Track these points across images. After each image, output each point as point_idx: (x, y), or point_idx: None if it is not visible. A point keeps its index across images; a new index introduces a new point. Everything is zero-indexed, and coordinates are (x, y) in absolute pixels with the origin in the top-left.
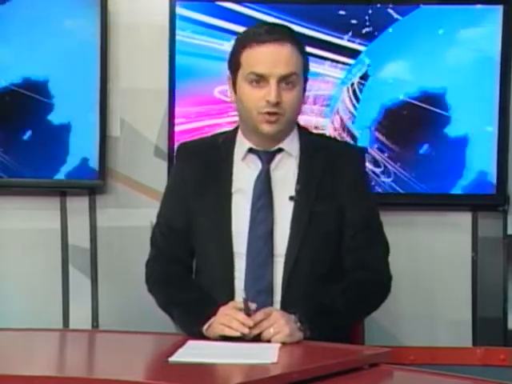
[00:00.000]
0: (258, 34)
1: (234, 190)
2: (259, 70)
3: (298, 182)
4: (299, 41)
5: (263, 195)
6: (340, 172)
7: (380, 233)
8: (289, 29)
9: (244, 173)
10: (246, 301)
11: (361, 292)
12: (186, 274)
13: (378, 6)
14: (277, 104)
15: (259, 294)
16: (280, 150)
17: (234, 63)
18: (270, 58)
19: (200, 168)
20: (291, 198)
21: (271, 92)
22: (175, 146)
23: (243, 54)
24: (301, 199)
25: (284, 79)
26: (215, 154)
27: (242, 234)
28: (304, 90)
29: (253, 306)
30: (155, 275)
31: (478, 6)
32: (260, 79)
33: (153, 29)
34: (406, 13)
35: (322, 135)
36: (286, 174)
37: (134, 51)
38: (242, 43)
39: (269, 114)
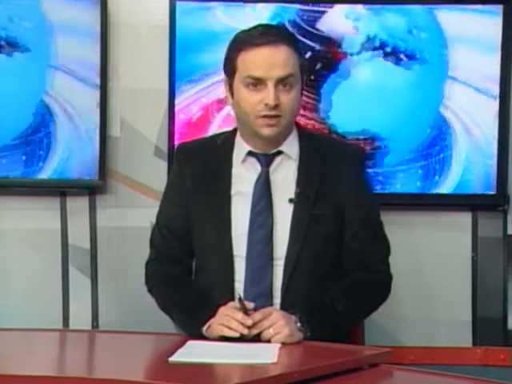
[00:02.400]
0: (253, 36)
1: (233, 192)
2: (256, 74)
3: (298, 184)
4: (295, 41)
5: (263, 198)
6: (340, 172)
7: (380, 233)
8: (284, 29)
9: (243, 176)
10: (241, 300)
11: (361, 292)
12: (186, 275)
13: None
14: (275, 107)
15: (259, 297)
16: (279, 153)
17: (230, 67)
18: (267, 60)
19: (199, 169)
20: (291, 201)
21: (269, 95)
22: (175, 146)
23: (239, 57)
24: (301, 201)
25: (281, 81)
26: (214, 155)
27: (242, 236)
28: (302, 90)
29: (250, 305)
30: (155, 276)
31: (478, 6)
32: (257, 82)
33: (153, 29)
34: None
35: (322, 135)
36: (285, 177)
37: (133, 51)
38: (238, 46)
39: (268, 117)
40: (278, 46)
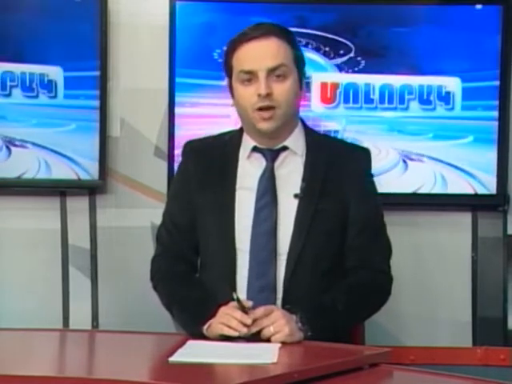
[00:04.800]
0: (244, 33)
1: (238, 187)
2: (247, 67)
3: (304, 179)
4: (288, 34)
5: (267, 193)
6: (345, 171)
7: (383, 234)
8: (276, 24)
9: (249, 171)
10: (238, 299)
11: (362, 293)
12: (190, 272)
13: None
14: (268, 96)
15: (263, 290)
16: (285, 148)
17: (228, 68)
18: (256, 53)
19: (205, 165)
20: (296, 196)
21: (260, 85)
22: (175, 146)
23: (233, 56)
24: (305, 196)
25: (273, 71)
26: (220, 152)
27: (246, 230)
28: (301, 82)
29: (248, 303)
30: (160, 273)
31: (478, 6)
32: (251, 77)
33: (153, 29)
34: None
35: (328, 135)
36: (290, 172)
37: (134, 51)
38: (232, 47)
39: (263, 109)
40: (268, 38)
